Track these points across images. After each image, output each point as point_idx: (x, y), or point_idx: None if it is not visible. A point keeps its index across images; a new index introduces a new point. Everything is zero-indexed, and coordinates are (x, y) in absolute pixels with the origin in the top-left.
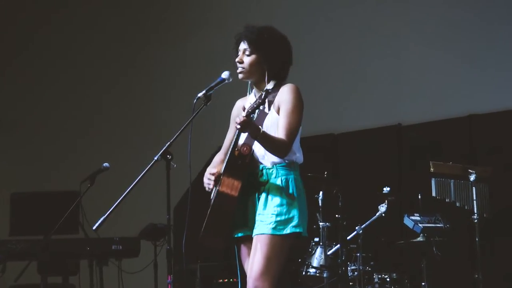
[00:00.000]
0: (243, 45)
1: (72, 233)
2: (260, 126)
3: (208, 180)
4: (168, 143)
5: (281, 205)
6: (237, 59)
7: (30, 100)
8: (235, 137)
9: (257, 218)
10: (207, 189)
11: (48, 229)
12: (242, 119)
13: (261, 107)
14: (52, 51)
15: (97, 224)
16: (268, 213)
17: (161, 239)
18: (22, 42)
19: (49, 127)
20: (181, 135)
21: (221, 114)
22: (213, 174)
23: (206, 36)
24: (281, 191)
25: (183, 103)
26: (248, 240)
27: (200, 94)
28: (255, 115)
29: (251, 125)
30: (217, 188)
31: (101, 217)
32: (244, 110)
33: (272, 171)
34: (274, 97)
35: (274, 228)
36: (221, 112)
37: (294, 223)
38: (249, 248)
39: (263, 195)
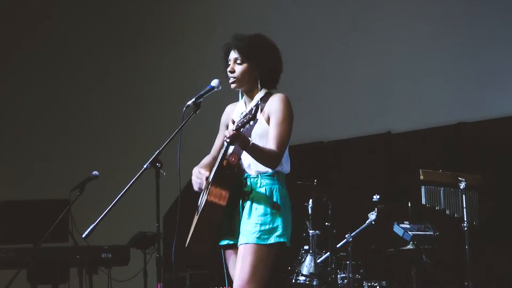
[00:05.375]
0: (233, 55)
1: (62, 241)
2: (249, 138)
3: (198, 179)
4: (158, 151)
5: (265, 214)
6: (228, 69)
7: (19, 109)
8: (224, 148)
9: (242, 227)
10: (196, 188)
11: (38, 237)
12: (231, 132)
13: (251, 123)
14: (42, 59)
15: (86, 232)
16: (252, 223)
17: (150, 247)
18: (14, 49)
19: (39, 135)
20: (170, 143)
21: (211, 122)
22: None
23: (195, 43)
24: (265, 200)
25: (172, 111)
26: (234, 248)
27: (189, 102)
28: (245, 130)
29: (241, 138)
30: (205, 197)
31: (90, 225)
32: (233, 123)
33: (257, 180)
34: (263, 105)
35: (258, 238)
36: (211, 120)
37: (278, 232)
38: (236, 256)
39: (248, 204)
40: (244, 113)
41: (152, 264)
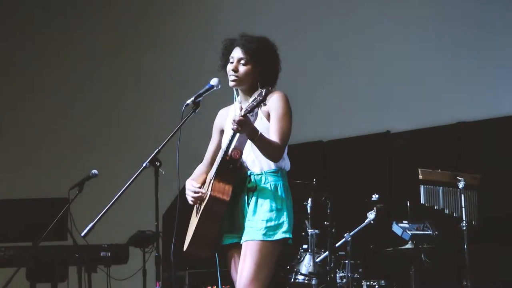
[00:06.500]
0: (238, 54)
1: (61, 240)
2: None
3: (194, 194)
4: (157, 150)
5: (271, 211)
6: (231, 67)
7: (18, 107)
8: (229, 139)
9: (246, 224)
10: (191, 202)
11: (37, 236)
12: (239, 118)
13: (262, 105)
14: (41, 57)
15: (85, 231)
16: (258, 219)
17: (149, 246)
18: (13, 48)
19: (38, 133)
20: (169, 142)
21: (210, 121)
22: (197, 188)
23: (194, 43)
24: (271, 197)
25: (172, 110)
26: (236, 247)
27: (188, 101)
28: (254, 115)
29: (249, 125)
30: (208, 193)
31: (89, 224)
32: (241, 110)
33: (261, 177)
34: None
35: (264, 234)
36: (210, 118)
37: (284, 228)
38: (238, 256)
39: (253, 201)
40: (253, 97)
41: (151, 262)
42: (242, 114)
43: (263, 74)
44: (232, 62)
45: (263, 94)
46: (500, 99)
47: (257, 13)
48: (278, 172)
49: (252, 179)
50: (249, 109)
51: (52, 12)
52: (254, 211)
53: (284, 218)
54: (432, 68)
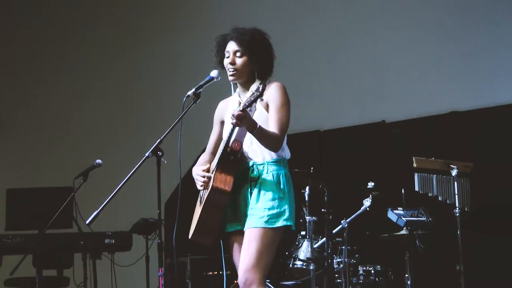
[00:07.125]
0: (233, 46)
1: (66, 228)
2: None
3: (203, 178)
4: (159, 140)
5: (273, 199)
6: (229, 61)
7: (23, 97)
8: (229, 132)
9: (249, 212)
10: (200, 187)
11: (43, 224)
12: (238, 113)
13: (259, 100)
14: (44, 49)
15: (90, 219)
16: (260, 207)
17: (152, 233)
18: (17, 41)
19: (43, 124)
20: (171, 132)
21: (211, 112)
22: (205, 173)
23: (195, 34)
24: (273, 186)
25: (173, 100)
26: (238, 234)
27: (189, 93)
28: (253, 108)
29: (248, 119)
30: (210, 183)
31: (94, 212)
32: (239, 105)
33: (263, 167)
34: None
35: (266, 221)
36: (211, 109)
37: (285, 216)
38: (240, 243)
39: (255, 190)
40: (251, 92)
41: (154, 249)
42: (241, 109)
43: (259, 64)
44: (228, 56)
45: (260, 89)
46: (492, 88)
47: (254, 4)
48: (280, 161)
49: (255, 169)
50: (247, 103)
51: (53, 5)
52: (257, 200)
53: (286, 206)
54: (426, 59)
